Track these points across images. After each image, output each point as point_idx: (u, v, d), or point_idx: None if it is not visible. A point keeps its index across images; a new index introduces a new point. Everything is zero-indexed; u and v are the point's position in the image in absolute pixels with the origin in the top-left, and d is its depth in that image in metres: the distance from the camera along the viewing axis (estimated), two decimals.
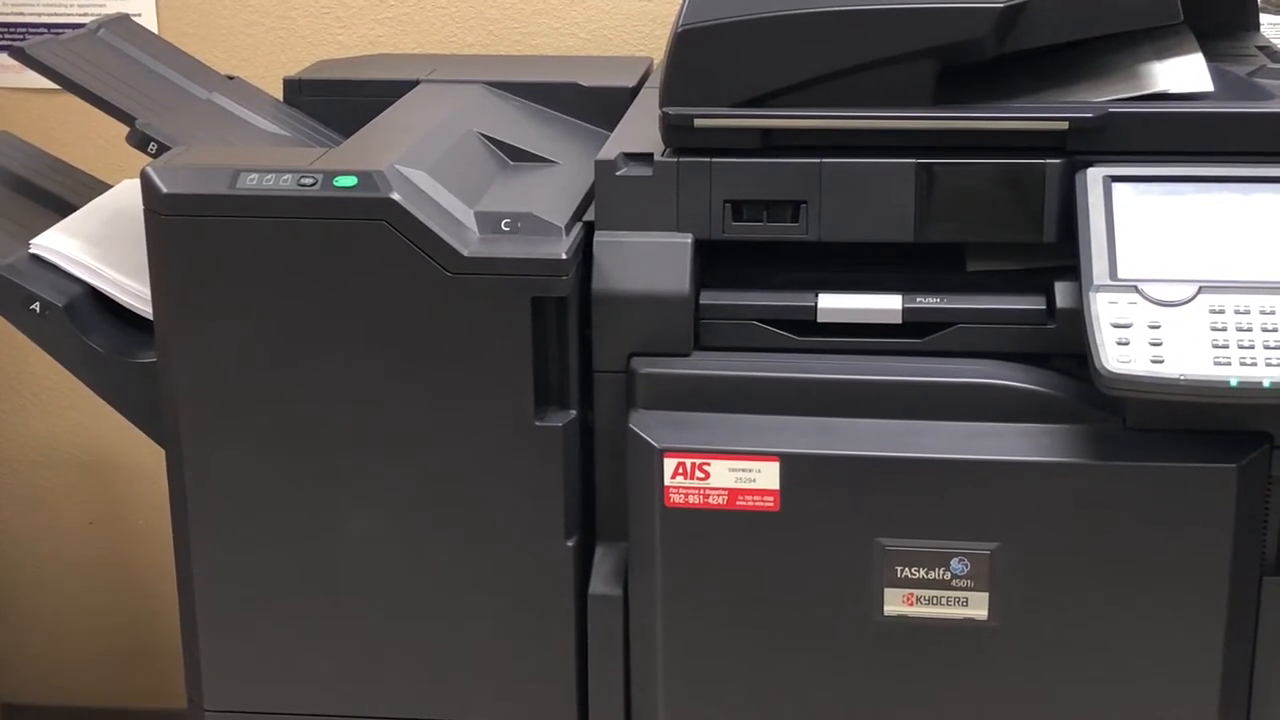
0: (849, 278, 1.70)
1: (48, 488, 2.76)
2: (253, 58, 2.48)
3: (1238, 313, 1.55)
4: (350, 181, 1.64)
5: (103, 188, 2.04)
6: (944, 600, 1.64)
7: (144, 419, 1.82)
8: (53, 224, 1.86)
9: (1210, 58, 1.74)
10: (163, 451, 1.78)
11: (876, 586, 1.65)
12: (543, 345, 1.68)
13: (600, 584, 1.73)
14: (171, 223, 1.67)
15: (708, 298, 1.70)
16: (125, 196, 1.94)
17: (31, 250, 1.80)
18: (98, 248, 1.82)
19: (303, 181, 1.65)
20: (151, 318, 1.74)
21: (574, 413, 1.70)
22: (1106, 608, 1.64)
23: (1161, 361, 1.53)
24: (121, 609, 2.81)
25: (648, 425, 1.66)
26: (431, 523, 1.72)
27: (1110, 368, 1.53)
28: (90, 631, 2.83)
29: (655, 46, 2.37)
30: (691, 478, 1.64)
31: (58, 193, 1.99)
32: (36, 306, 1.77)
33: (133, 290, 1.80)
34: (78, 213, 1.91)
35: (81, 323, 1.79)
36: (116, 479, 2.74)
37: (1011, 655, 1.66)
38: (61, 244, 1.81)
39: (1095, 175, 1.63)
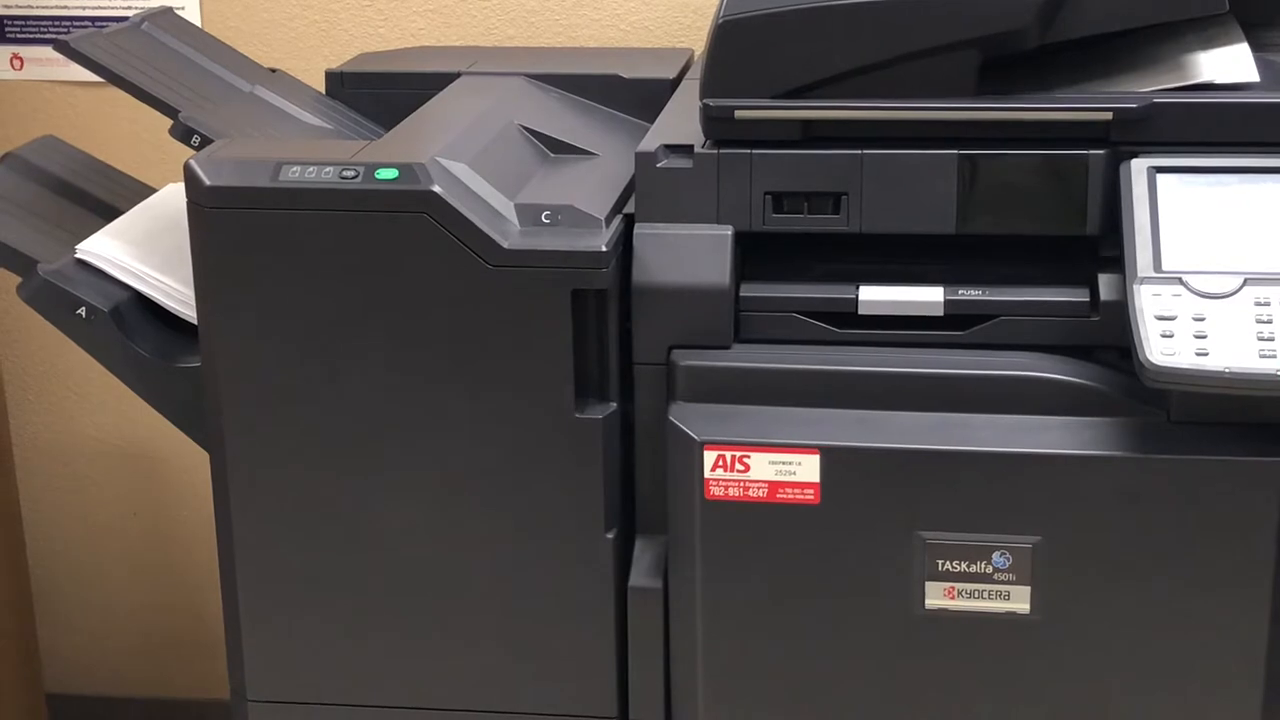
0: (890, 270, 1.70)
1: (92, 480, 2.78)
2: (295, 51, 2.49)
3: None
4: (391, 174, 1.65)
5: (146, 191, 2.04)
6: (985, 594, 1.64)
7: (188, 423, 1.83)
8: (98, 228, 1.86)
9: (1256, 47, 1.72)
10: None
11: (917, 580, 1.64)
12: (583, 338, 1.68)
13: (640, 576, 1.73)
14: (214, 215, 1.68)
15: (748, 290, 1.69)
16: (171, 200, 1.95)
17: (77, 255, 1.81)
18: (143, 252, 1.83)
19: (344, 174, 1.66)
20: (195, 322, 1.74)
21: (614, 405, 1.70)
22: (1149, 602, 1.63)
23: (1206, 354, 1.52)
24: (164, 600, 2.83)
25: (688, 418, 1.66)
26: (472, 515, 1.73)
27: (1154, 360, 1.52)
28: (133, 622, 2.85)
29: (696, 38, 2.37)
30: (731, 470, 1.64)
31: (102, 197, 1.99)
32: (82, 311, 1.77)
33: (178, 295, 1.81)
34: (124, 216, 1.92)
35: (126, 327, 1.80)
36: (160, 471, 2.75)
37: (1053, 649, 1.65)
38: (107, 249, 1.82)
39: (1139, 166, 1.62)
